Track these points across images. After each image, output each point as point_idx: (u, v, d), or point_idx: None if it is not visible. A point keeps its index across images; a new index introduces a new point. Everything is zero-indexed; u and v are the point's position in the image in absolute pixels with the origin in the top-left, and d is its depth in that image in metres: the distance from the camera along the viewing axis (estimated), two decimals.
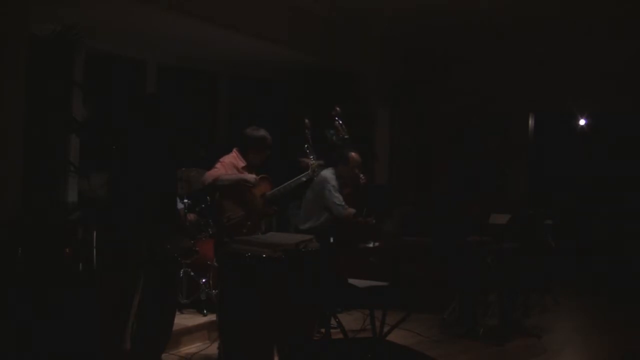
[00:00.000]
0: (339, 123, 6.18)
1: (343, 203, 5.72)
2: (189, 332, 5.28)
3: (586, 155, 9.73)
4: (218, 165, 5.13)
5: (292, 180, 5.43)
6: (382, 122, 8.82)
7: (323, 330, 5.03)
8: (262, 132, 5.24)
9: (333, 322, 4.64)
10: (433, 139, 9.42)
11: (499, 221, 6.32)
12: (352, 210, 5.83)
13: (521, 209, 7.42)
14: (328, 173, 5.82)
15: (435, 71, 9.22)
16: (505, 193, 8.87)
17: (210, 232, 5.96)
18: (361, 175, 6.23)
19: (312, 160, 5.61)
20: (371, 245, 6.59)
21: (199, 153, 6.97)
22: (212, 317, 5.43)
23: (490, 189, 8.74)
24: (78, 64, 6.17)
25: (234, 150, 5.28)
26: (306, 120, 5.67)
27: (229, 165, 5.15)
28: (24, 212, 4.31)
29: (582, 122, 9.34)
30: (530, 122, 9.27)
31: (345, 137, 6.16)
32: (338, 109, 6.20)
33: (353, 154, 5.95)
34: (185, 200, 6.10)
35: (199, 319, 5.50)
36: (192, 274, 5.83)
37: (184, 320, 5.40)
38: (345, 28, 8.05)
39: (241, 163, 5.21)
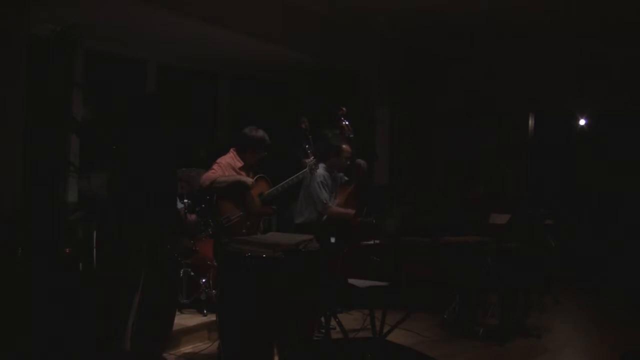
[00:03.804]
0: (345, 123, 6.22)
1: (326, 201, 5.72)
2: (189, 332, 5.28)
3: (586, 155, 9.73)
4: (215, 166, 5.12)
5: (288, 179, 5.43)
6: (382, 122, 8.82)
7: (323, 330, 5.05)
8: (260, 133, 5.24)
9: (333, 322, 4.65)
10: (433, 139, 9.42)
11: (499, 221, 6.32)
12: (337, 209, 5.83)
13: (521, 209, 7.42)
14: (319, 170, 5.82)
15: (435, 71, 9.22)
16: (505, 193, 8.87)
17: (211, 232, 5.96)
18: (360, 160, 6.21)
19: (310, 160, 5.62)
20: (371, 242, 6.60)
21: (199, 153, 6.98)
22: (212, 317, 5.43)
23: (490, 189, 8.74)
24: (78, 64, 6.17)
25: (231, 150, 5.28)
26: (304, 119, 5.68)
27: (226, 166, 5.15)
28: (24, 212, 4.31)
29: (582, 122, 9.35)
30: (530, 122, 9.28)
31: (351, 136, 6.18)
32: (344, 109, 6.24)
33: (344, 145, 5.95)
34: (185, 200, 6.12)
35: (199, 319, 5.50)
36: (192, 274, 5.83)
37: (184, 320, 5.40)
38: (345, 28, 8.05)
39: (238, 163, 5.21)
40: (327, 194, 5.77)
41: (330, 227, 5.69)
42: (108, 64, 7.00)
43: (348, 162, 6.05)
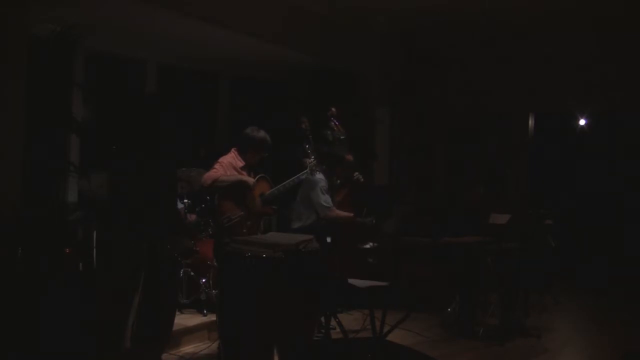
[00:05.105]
0: (335, 123, 6.20)
1: (329, 205, 5.63)
2: (189, 332, 5.29)
3: (586, 155, 9.73)
4: (217, 166, 5.13)
5: (289, 180, 5.43)
6: (382, 122, 8.82)
7: (323, 330, 5.05)
8: (262, 133, 5.25)
9: (333, 322, 4.65)
10: (433, 139, 9.42)
11: (499, 221, 6.32)
12: (340, 212, 5.79)
13: (521, 209, 7.41)
14: (319, 175, 5.75)
15: (435, 71, 9.22)
16: (505, 193, 8.86)
17: (211, 232, 5.97)
18: (359, 175, 6.21)
19: (311, 160, 5.62)
20: (368, 246, 6.59)
21: (199, 153, 6.99)
22: (212, 317, 5.43)
23: (490, 189, 8.75)
24: (78, 64, 6.17)
25: (233, 150, 5.29)
26: (304, 119, 5.68)
27: (228, 165, 5.16)
28: (24, 212, 4.31)
29: (582, 122, 9.35)
30: (530, 122, 9.28)
31: (341, 137, 6.17)
32: (333, 109, 6.22)
33: (348, 156, 5.93)
34: (185, 200, 6.12)
35: (199, 319, 5.50)
36: (192, 274, 5.84)
37: (184, 320, 5.41)
38: (345, 28, 8.06)
39: (240, 163, 5.21)
40: (329, 197, 5.72)
41: (328, 228, 5.67)
42: (108, 64, 7.00)
43: (350, 172, 6.00)
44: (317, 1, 7.39)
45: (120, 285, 4.13)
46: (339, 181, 6.12)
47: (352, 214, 5.97)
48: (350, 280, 4.51)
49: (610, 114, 9.06)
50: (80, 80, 6.27)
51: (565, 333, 6.28)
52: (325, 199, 5.61)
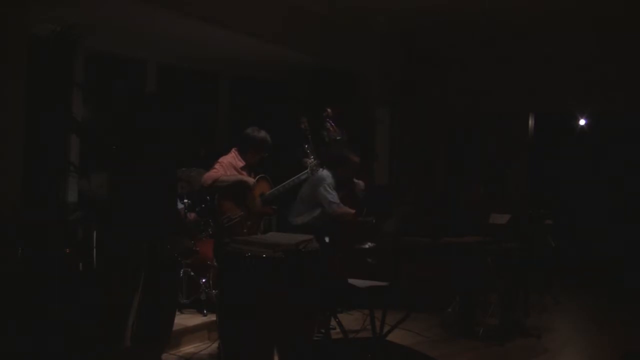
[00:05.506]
0: (330, 124, 6.19)
1: (338, 201, 5.63)
2: (189, 332, 5.29)
3: (586, 155, 9.73)
4: (217, 166, 5.13)
5: (290, 180, 5.43)
6: (382, 122, 8.81)
7: (323, 330, 5.05)
8: (263, 134, 5.26)
9: (333, 322, 4.65)
10: (433, 139, 9.42)
11: (499, 221, 6.33)
12: (346, 209, 5.77)
13: (521, 209, 7.41)
14: (325, 172, 5.75)
15: (435, 71, 9.22)
16: (505, 193, 8.86)
17: (211, 232, 5.97)
18: (360, 182, 6.18)
19: (311, 160, 5.61)
20: (367, 246, 6.57)
21: (199, 153, 6.98)
22: (212, 317, 5.43)
23: (490, 189, 8.75)
24: (78, 64, 6.17)
25: (233, 150, 5.29)
26: (304, 119, 5.68)
27: (228, 165, 5.16)
28: (24, 213, 4.31)
29: (582, 122, 9.35)
30: (530, 122, 9.28)
31: (337, 138, 6.16)
32: (329, 110, 6.20)
33: (354, 157, 5.91)
34: (185, 200, 6.12)
35: (199, 319, 5.50)
36: (192, 274, 5.84)
37: (184, 320, 5.41)
38: (345, 28, 8.05)
39: (240, 163, 5.22)
40: (336, 194, 5.70)
41: (327, 228, 5.66)
42: (108, 64, 7.00)
43: (354, 174, 5.99)
44: (317, 1, 7.38)
45: (120, 285, 4.13)
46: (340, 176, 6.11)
47: (355, 210, 5.96)
48: (350, 280, 4.52)
49: (610, 114, 9.06)
50: (80, 80, 6.27)
51: (565, 333, 6.28)
52: (333, 196, 5.60)
